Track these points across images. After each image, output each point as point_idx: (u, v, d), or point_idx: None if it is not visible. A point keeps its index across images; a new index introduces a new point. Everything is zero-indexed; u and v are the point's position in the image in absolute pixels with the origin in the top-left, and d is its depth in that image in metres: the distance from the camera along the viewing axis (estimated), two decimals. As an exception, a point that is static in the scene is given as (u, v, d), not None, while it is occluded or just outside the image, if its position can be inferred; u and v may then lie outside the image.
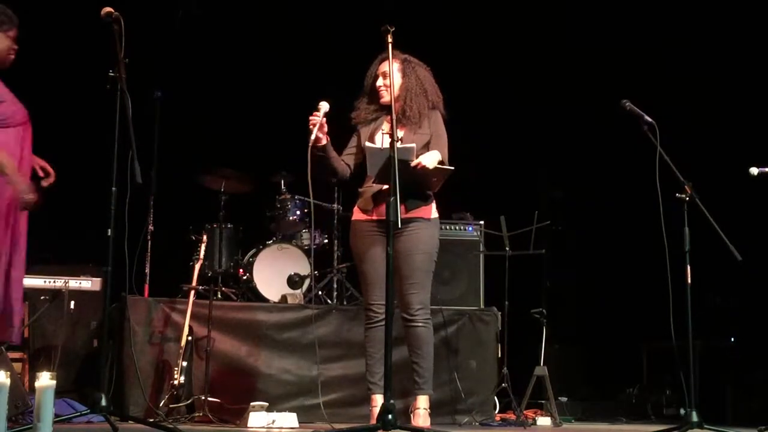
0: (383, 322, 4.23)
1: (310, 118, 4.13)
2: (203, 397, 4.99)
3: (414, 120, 4.27)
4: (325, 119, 4.16)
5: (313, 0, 7.02)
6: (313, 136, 4.10)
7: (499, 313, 5.79)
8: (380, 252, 4.24)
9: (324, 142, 4.21)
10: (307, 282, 6.06)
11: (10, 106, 4.16)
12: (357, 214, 4.40)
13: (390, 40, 3.89)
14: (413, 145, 4.11)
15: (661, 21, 7.13)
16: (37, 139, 6.42)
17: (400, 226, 3.74)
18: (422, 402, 4.29)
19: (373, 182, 4.26)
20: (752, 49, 6.87)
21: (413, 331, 4.28)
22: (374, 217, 4.31)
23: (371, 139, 4.35)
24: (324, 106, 4.17)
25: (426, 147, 4.27)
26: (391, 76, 4.05)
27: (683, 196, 4.26)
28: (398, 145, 3.82)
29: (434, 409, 4.55)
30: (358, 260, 4.39)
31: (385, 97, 4.30)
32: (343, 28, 6.84)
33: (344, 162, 4.42)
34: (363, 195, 4.38)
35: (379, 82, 4.34)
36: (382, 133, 4.32)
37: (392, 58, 4.01)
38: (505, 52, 7.24)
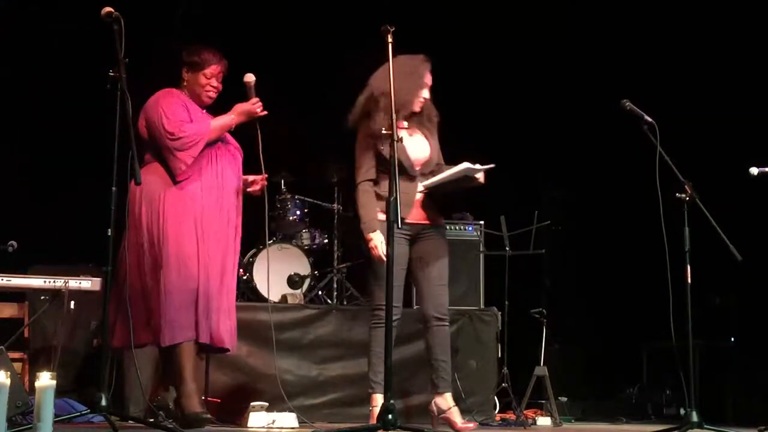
0: (393, 323, 4.26)
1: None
2: (203, 397, 4.99)
3: (433, 129, 4.47)
4: None
5: (313, 0, 7.02)
6: None
7: (499, 313, 5.79)
8: (403, 254, 4.32)
9: None
10: (307, 282, 6.06)
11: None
12: (384, 216, 4.38)
13: (390, 40, 3.89)
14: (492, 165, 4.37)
15: (662, 21, 7.13)
16: (38, 139, 6.43)
17: (400, 225, 3.76)
18: (451, 399, 4.37)
19: (421, 191, 4.39)
20: (752, 49, 6.87)
21: (443, 331, 4.38)
22: (409, 221, 4.34)
23: (401, 146, 4.33)
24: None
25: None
26: (391, 75, 4.03)
27: (683, 196, 4.25)
28: (467, 164, 4.32)
29: (434, 409, 4.56)
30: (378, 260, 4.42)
31: (417, 108, 4.44)
32: (343, 29, 6.83)
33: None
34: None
35: (425, 94, 4.44)
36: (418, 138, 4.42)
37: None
38: (504, 51, 7.23)
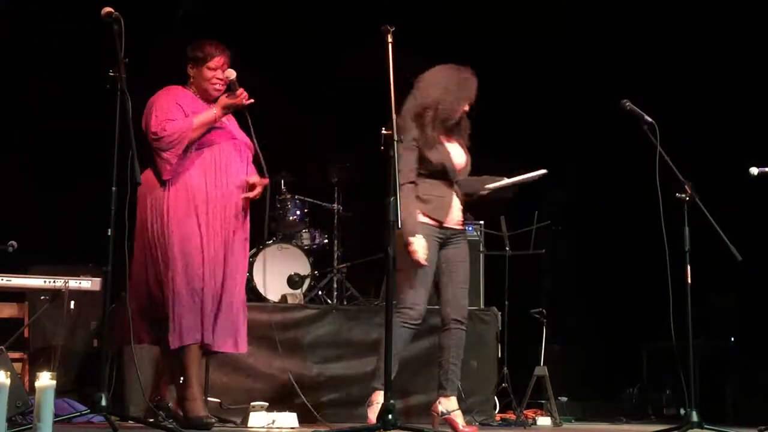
0: (414, 326, 4.31)
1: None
2: (203, 397, 4.99)
3: (467, 138, 4.54)
4: None
5: (313, 0, 7.02)
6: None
7: (499, 313, 5.79)
8: (433, 258, 4.33)
9: None
10: (307, 282, 6.06)
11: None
12: (423, 218, 4.38)
13: (390, 40, 3.88)
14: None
15: (662, 21, 7.13)
16: (38, 139, 6.42)
17: (400, 226, 3.75)
18: (456, 402, 4.39)
19: (477, 197, 4.52)
20: (752, 49, 6.87)
21: (460, 335, 4.40)
22: (446, 225, 4.39)
23: (445, 152, 4.41)
24: None
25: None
26: (391, 75, 4.03)
27: (683, 196, 4.26)
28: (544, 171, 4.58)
29: (434, 409, 4.56)
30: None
31: (457, 118, 4.47)
32: (343, 29, 6.83)
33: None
34: (431, 202, 4.40)
35: (467, 106, 4.49)
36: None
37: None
38: (504, 51, 7.23)
